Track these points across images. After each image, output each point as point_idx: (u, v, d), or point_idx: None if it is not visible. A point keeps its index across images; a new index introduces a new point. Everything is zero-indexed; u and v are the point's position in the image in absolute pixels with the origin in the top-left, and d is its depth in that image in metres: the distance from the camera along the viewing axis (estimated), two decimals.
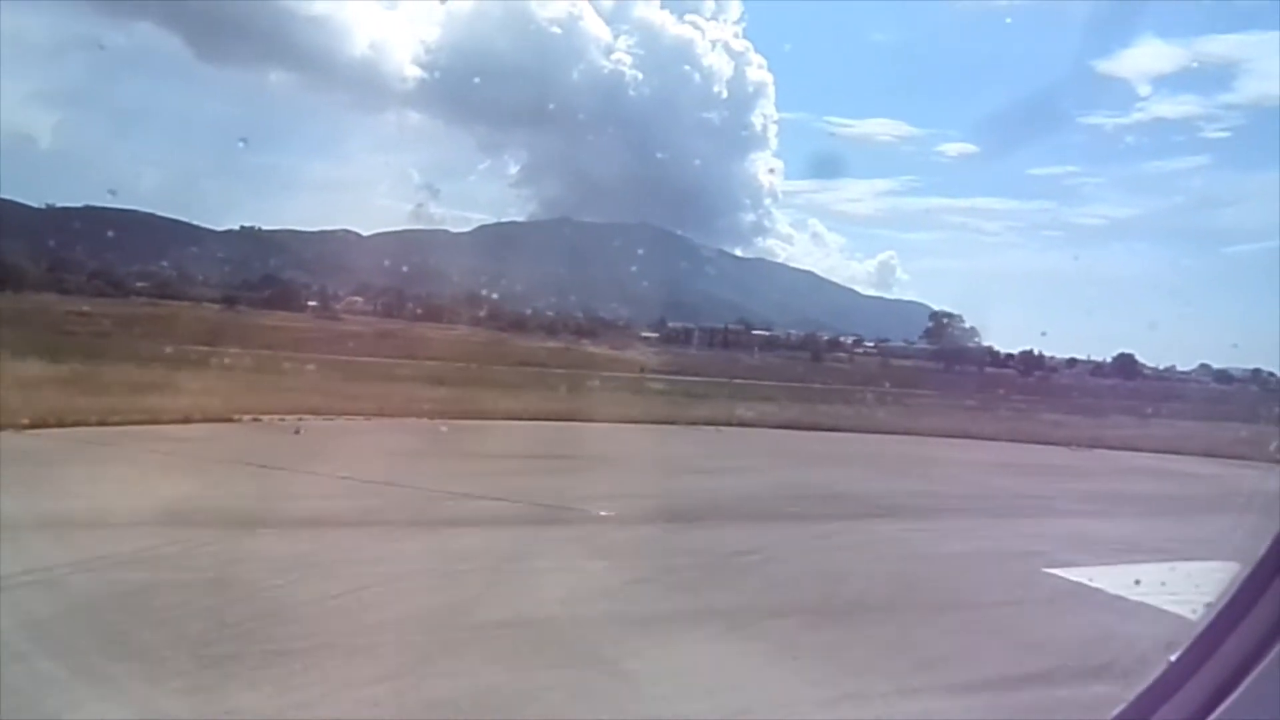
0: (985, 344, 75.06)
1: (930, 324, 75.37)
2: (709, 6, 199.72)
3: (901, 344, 78.75)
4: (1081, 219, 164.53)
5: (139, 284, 61.62)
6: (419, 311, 58.51)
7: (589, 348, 56.39)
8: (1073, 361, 73.63)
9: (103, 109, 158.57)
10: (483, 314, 56.94)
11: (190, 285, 61.18)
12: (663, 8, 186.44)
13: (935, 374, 62.85)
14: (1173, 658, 2.06)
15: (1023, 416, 39.36)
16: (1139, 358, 69.28)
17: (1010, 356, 73.38)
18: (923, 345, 75.36)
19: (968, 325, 72.47)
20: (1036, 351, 73.23)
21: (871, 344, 78.94)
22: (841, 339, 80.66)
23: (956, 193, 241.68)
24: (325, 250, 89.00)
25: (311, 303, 60.15)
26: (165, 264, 71.19)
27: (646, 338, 66.09)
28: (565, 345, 56.28)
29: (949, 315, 74.98)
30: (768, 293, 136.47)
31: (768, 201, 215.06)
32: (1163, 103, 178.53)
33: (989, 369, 68.20)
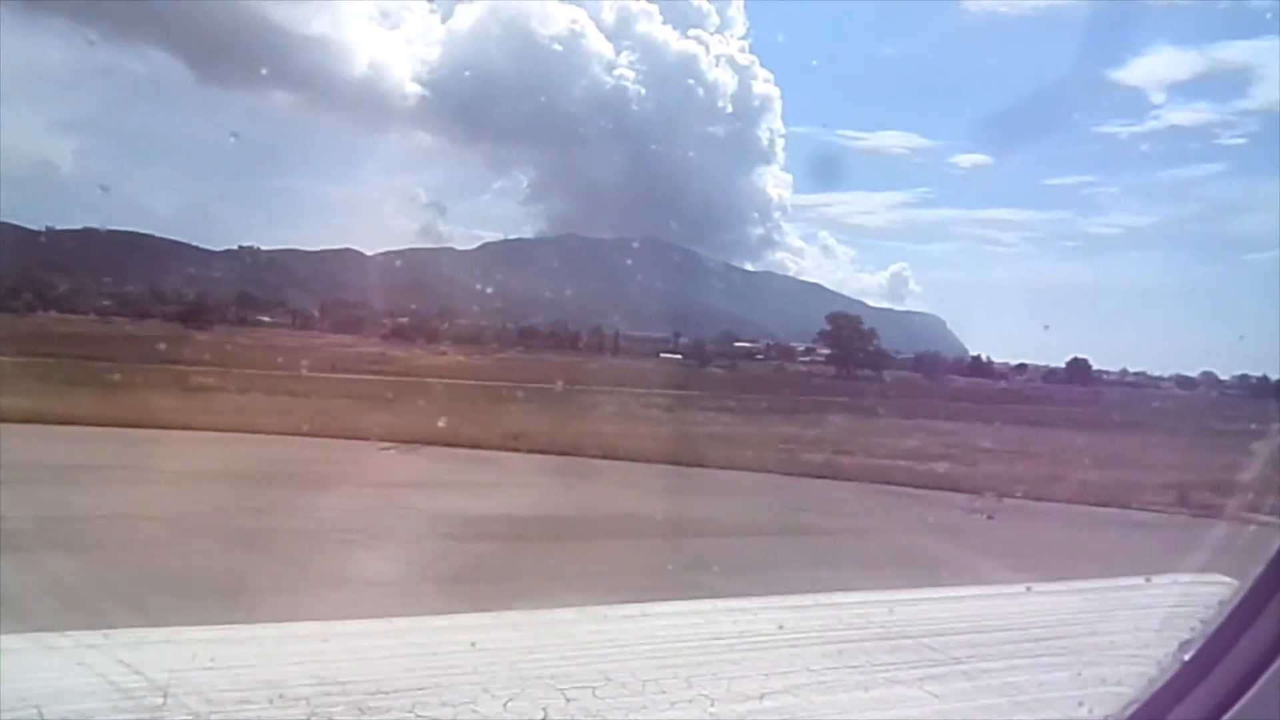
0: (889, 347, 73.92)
1: (828, 326, 70.66)
2: (713, 21, 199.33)
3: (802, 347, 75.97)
4: (1098, 228, 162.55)
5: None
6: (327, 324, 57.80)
7: (419, 353, 53.52)
8: (1022, 367, 74.14)
9: (103, 133, 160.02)
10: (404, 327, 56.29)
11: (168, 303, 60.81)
12: (665, 23, 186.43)
13: (798, 377, 60.96)
14: (1186, 657, 2.02)
15: (675, 419, 36.70)
16: (1134, 364, 69.31)
17: (943, 361, 74.10)
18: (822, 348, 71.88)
19: (867, 327, 70.20)
20: (985, 357, 73.33)
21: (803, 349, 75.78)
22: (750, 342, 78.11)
23: (971, 204, 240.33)
24: (325, 269, 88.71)
25: (263, 318, 59.23)
26: (163, 284, 71.07)
27: (529, 344, 63.47)
28: (382, 350, 52.96)
29: (847, 316, 72.07)
30: (774, 305, 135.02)
31: (777, 215, 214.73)
32: (1177, 110, 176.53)
33: (902, 373, 67.76)
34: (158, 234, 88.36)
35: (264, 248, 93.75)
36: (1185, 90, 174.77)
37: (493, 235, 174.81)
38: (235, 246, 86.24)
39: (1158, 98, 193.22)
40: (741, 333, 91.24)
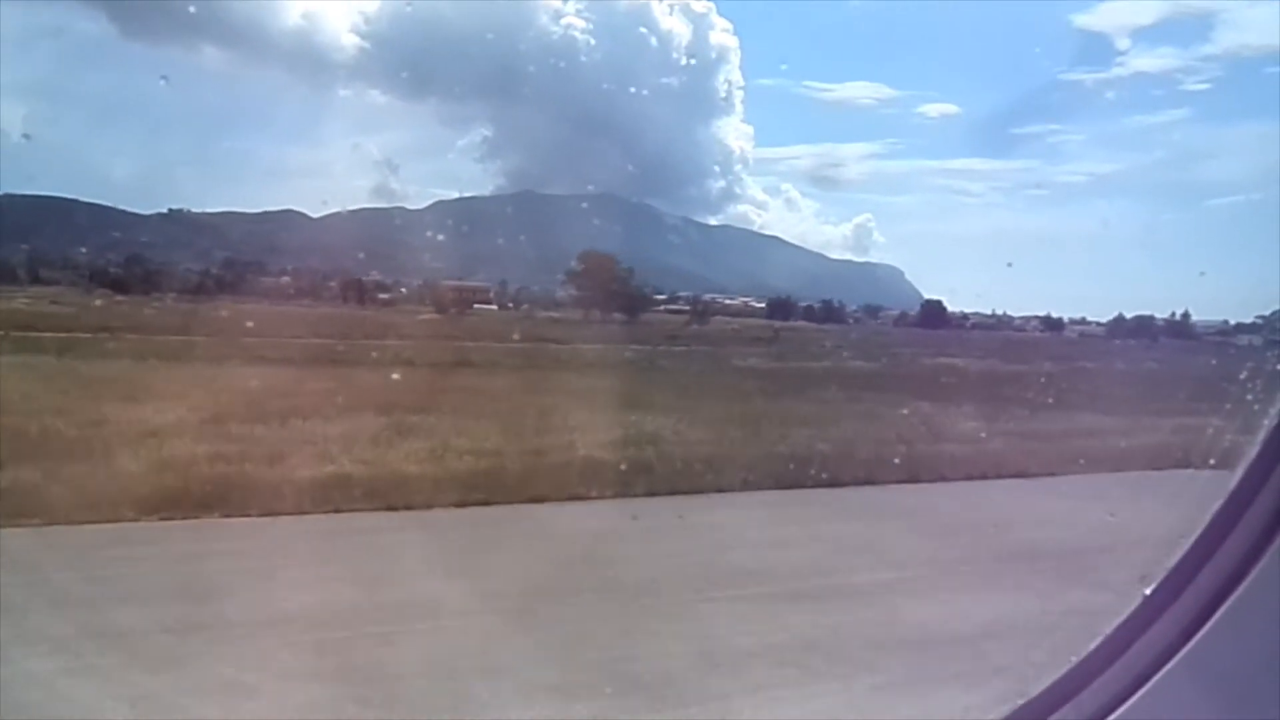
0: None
1: (577, 265, 62.35)
2: None
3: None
4: (1064, 176, 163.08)
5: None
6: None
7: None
8: (876, 309, 77.02)
9: (16, 90, 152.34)
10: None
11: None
12: None
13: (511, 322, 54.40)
14: (1147, 591, 2.09)
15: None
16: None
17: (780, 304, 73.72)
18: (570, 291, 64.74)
19: (626, 267, 63.89)
20: (838, 303, 75.38)
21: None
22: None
23: (939, 154, 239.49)
24: (261, 232, 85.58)
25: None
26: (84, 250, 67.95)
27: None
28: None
29: (599, 255, 62.96)
30: (731, 260, 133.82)
31: (738, 168, 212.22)
32: (1142, 56, 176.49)
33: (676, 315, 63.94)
34: (83, 198, 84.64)
35: (200, 210, 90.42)
36: (1150, 36, 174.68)
37: (447, 193, 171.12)
38: (165, 210, 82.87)
39: (1123, 44, 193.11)
40: (695, 288, 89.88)
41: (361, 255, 71.73)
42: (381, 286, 62.67)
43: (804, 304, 75.41)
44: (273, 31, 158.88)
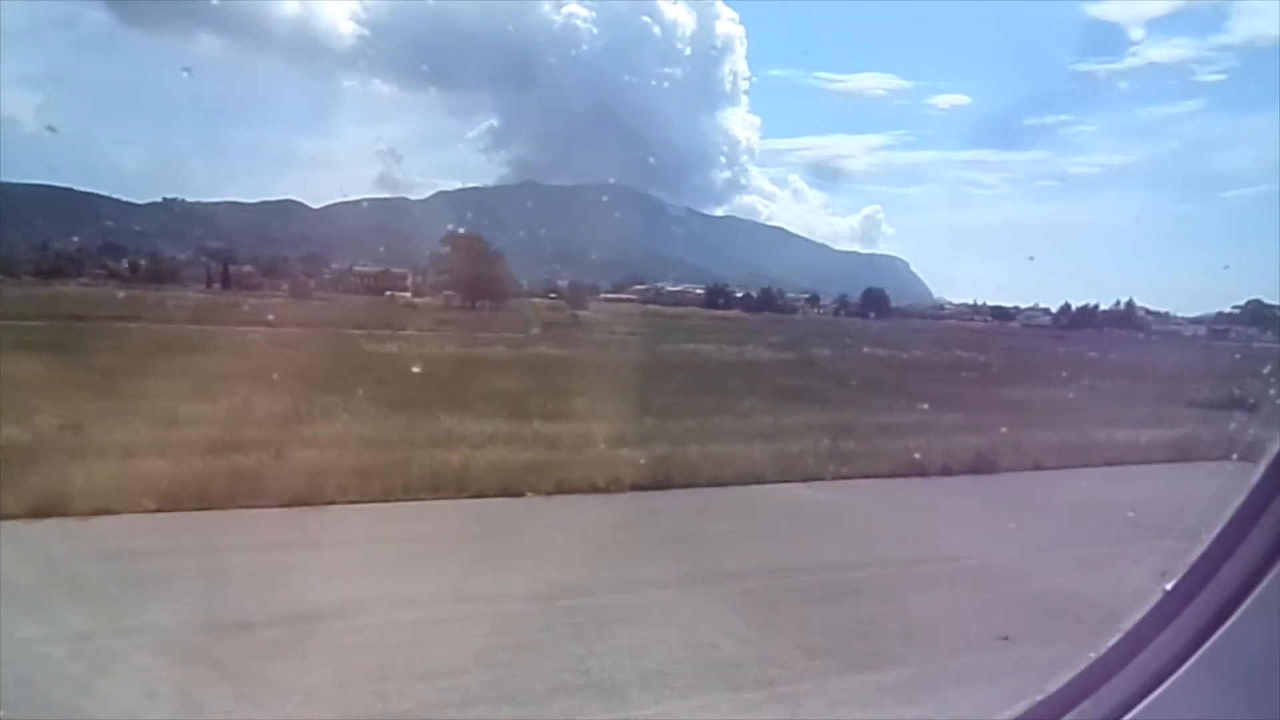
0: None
1: (442, 247, 58.39)
2: None
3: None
4: (1077, 168, 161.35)
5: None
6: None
7: None
8: (814, 299, 77.02)
9: (15, 80, 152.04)
10: None
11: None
12: None
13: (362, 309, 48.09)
14: (1168, 586, 2.04)
15: None
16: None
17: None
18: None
19: (495, 250, 59.17)
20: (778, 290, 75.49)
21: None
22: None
23: (949, 146, 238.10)
24: (257, 222, 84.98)
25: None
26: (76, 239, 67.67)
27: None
28: None
29: (467, 238, 59.01)
30: (733, 251, 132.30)
31: (744, 158, 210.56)
32: (1156, 47, 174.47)
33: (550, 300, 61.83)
34: (77, 187, 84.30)
35: (195, 200, 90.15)
36: (1163, 26, 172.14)
37: (450, 184, 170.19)
38: (159, 199, 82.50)
39: (1136, 34, 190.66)
40: (695, 279, 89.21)
41: (348, 245, 71.13)
42: (270, 271, 62.05)
43: (740, 293, 75.93)
44: (269, 20, 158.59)
